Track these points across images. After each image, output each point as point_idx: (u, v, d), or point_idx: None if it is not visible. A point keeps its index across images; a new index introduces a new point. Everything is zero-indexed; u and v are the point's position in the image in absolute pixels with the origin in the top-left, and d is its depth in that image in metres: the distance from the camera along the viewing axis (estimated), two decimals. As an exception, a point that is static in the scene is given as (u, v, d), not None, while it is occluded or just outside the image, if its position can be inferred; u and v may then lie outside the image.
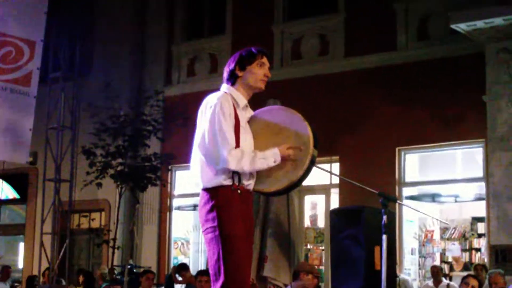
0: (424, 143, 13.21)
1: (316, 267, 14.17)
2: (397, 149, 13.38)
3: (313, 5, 14.94)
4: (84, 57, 15.26)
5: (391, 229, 8.80)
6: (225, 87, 4.82)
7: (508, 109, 11.85)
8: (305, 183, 13.91)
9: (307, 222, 14.87)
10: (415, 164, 13.78)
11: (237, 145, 4.58)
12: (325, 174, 13.66)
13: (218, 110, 4.56)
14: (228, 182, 4.56)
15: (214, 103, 4.60)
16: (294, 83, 14.44)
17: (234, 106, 4.66)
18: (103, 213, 16.60)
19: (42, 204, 12.44)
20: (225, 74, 4.86)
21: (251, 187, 4.71)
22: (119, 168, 14.04)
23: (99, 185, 13.88)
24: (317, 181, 13.81)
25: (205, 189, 4.62)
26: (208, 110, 4.61)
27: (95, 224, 16.65)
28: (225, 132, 4.53)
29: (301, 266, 8.65)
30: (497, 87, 12.01)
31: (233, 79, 4.80)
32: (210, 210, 4.56)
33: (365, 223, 8.29)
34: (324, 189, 14.17)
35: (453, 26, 12.03)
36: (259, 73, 4.79)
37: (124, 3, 16.87)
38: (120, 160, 14.08)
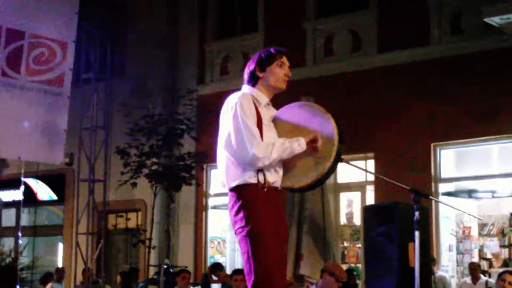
0: (460, 139, 13.07)
1: (352, 265, 14.18)
2: (432, 145, 13.25)
3: (345, 2, 14.84)
4: (117, 58, 15.35)
5: (426, 225, 8.73)
6: (245, 88, 4.84)
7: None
8: (340, 180, 13.93)
9: (343, 220, 14.80)
10: (451, 160, 13.65)
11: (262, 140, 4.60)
12: (361, 171, 13.62)
13: (239, 109, 4.59)
14: (253, 180, 4.57)
15: (235, 102, 4.63)
16: (327, 80, 14.38)
17: (255, 104, 4.68)
18: (139, 213, 16.68)
19: (77, 204, 12.57)
20: (246, 76, 4.88)
21: (277, 184, 4.70)
22: (153, 168, 14.10)
23: (134, 185, 13.95)
24: (352, 178, 13.83)
25: (232, 190, 4.66)
26: (230, 110, 4.64)
27: (131, 224, 16.74)
28: (250, 128, 4.55)
29: (327, 266, 8.61)
30: (533, 80, 11.86)
31: (253, 81, 4.83)
32: (238, 211, 4.61)
33: (399, 220, 8.23)
34: (359, 186, 14.12)
35: (486, 20, 11.88)
36: (279, 73, 4.80)
37: (157, 4, 16.93)
38: (154, 160, 14.14)
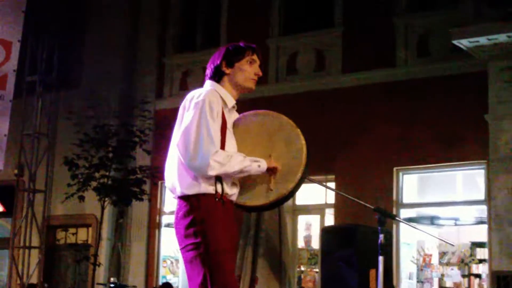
0: (423, 164, 12.79)
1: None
2: (395, 169, 12.94)
3: (310, 20, 14.54)
4: (72, 64, 14.82)
5: (388, 250, 8.34)
6: (210, 83, 4.25)
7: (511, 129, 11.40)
8: (299, 202, 13.51)
9: (301, 243, 14.48)
10: (414, 185, 13.37)
11: (222, 148, 4.02)
12: (320, 193, 13.27)
13: (205, 107, 4.00)
14: (211, 190, 3.98)
15: (201, 98, 4.04)
16: (289, 98, 14.00)
17: (221, 105, 4.12)
18: (90, 228, 16.10)
19: (14, 215, 11.99)
20: (209, 71, 4.32)
21: (234, 197, 4.14)
22: (102, 181, 13.50)
23: (81, 198, 13.36)
24: (311, 200, 13.50)
25: (183, 197, 4.03)
26: (194, 106, 4.04)
27: (81, 240, 16.14)
28: (211, 132, 3.96)
29: None
30: (500, 106, 11.59)
31: (217, 77, 4.26)
32: (191, 224, 3.96)
33: (359, 243, 7.81)
34: (318, 209, 13.81)
35: (455, 42, 11.63)
36: (249, 71, 4.27)
37: (117, 14, 16.48)
38: (103, 172, 13.55)
